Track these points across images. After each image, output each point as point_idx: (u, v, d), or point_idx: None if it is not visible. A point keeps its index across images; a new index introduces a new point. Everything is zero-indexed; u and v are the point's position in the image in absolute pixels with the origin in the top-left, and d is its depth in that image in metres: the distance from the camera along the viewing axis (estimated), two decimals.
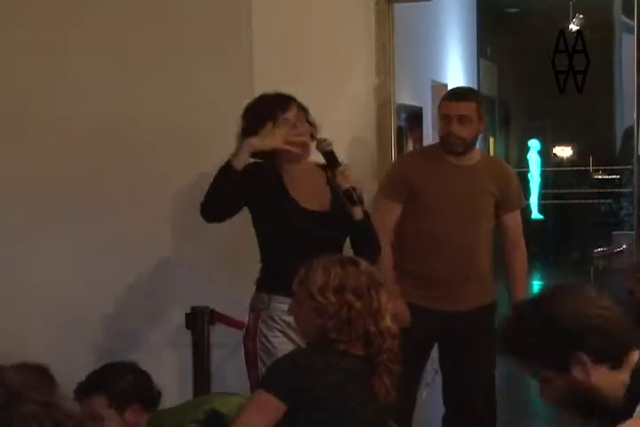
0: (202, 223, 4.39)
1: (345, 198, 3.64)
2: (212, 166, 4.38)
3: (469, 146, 4.30)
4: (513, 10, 13.87)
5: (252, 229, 3.83)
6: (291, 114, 3.67)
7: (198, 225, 4.39)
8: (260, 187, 3.65)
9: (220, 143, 4.36)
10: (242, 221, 3.79)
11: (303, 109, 3.74)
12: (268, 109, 3.67)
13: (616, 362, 2.05)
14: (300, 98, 3.78)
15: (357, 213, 3.66)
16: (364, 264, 2.96)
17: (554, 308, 2.09)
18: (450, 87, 10.41)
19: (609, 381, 2.06)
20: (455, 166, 4.31)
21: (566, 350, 2.03)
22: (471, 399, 4.38)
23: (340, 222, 3.67)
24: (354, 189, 3.63)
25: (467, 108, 4.25)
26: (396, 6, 5.38)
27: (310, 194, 3.68)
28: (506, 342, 2.20)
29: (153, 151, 4.44)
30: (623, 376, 2.06)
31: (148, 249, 4.42)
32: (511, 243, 4.48)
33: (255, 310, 3.68)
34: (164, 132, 4.42)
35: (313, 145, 3.75)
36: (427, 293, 4.26)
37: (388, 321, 2.91)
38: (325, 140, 3.76)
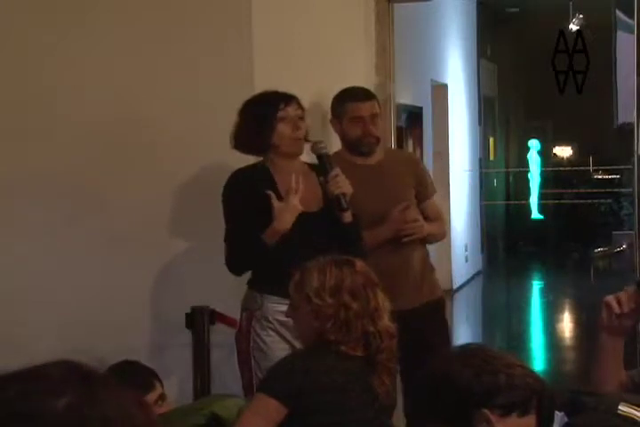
0: (201, 223, 4.39)
1: (334, 203, 3.68)
2: (211, 165, 4.39)
3: (379, 144, 4.28)
4: (513, 10, 13.87)
5: None
6: (292, 109, 3.69)
7: (198, 225, 4.40)
8: (255, 192, 3.64)
9: (220, 143, 4.37)
10: None
11: (302, 109, 3.74)
12: (268, 104, 3.69)
13: (523, 410, 2.08)
14: (300, 98, 3.79)
15: (346, 216, 3.72)
16: (359, 264, 2.95)
17: (457, 372, 2.09)
18: (450, 87, 10.46)
19: None
20: (363, 166, 4.20)
21: (469, 409, 2.05)
22: None
23: (331, 223, 3.70)
24: (344, 194, 3.67)
25: (375, 106, 4.24)
26: (396, 6, 5.38)
27: (302, 194, 3.66)
28: (412, 401, 2.21)
29: (153, 151, 4.44)
30: (530, 420, 2.09)
31: (148, 249, 4.42)
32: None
33: (248, 309, 3.69)
34: (163, 132, 4.42)
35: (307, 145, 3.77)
36: None
37: (385, 321, 2.91)
38: (321, 142, 3.79)
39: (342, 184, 3.68)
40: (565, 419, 2.14)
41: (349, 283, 2.88)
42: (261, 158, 3.79)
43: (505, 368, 2.07)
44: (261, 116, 3.67)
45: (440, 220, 4.46)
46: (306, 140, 3.75)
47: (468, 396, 2.04)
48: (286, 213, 3.57)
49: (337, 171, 3.70)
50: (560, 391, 2.20)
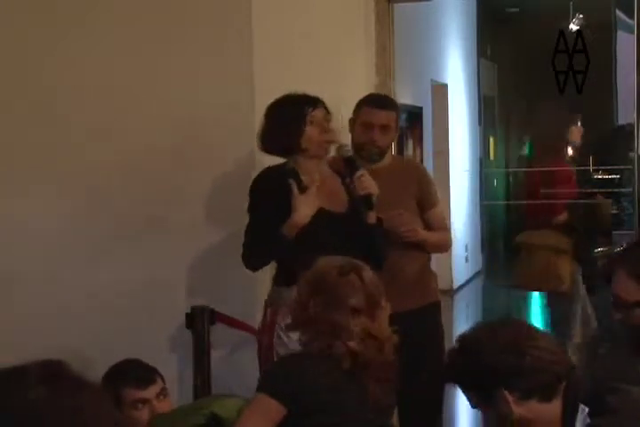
0: (200, 223, 4.39)
1: (361, 203, 3.73)
2: (211, 166, 4.39)
3: (384, 154, 4.28)
4: (513, 10, 13.87)
5: None
6: (320, 112, 3.72)
7: (197, 225, 4.40)
8: (283, 189, 3.67)
9: (219, 143, 4.37)
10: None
11: (329, 112, 3.78)
12: (296, 106, 3.71)
13: (545, 396, 2.04)
14: None
15: (371, 217, 3.75)
16: (366, 271, 2.95)
17: (485, 343, 2.07)
18: (450, 87, 10.46)
19: (539, 413, 2.05)
20: (368, 170, 4.18)
21: (489, 386, 2.03)
22: (415, 410, 4.15)
23: (355, 224, 3.73)
24: (371, 195, 3.72)
25: (391, 117, 4.23)
26: (396, 6, 5.39)
27: (328, 195, 3.73)
28: (445, 370, 2.21)
29: (152, 152, 4.44)
30: (554, 408, 2.05)
31: (148, 249, 4.42)
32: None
33: (273, 304, 3.69)
34: (163, 132, 4.42)
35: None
36: None
37: (383, 325, 2.91)
38: (346, 145, 3.87)
39: (368, 184, 3.74)
40: (587, 420, 2.12)
41: (350, 287, 2.88)
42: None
43: (533, 350, 2.03)
44: (290, 119, 3.69)
45: (444, 230, 4.41)
46: (333, 143, 3.80)
47: (491, 372, 2.01)
48: (304, 206, 3.61)
49: (362, 171, 3.76)
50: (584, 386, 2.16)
